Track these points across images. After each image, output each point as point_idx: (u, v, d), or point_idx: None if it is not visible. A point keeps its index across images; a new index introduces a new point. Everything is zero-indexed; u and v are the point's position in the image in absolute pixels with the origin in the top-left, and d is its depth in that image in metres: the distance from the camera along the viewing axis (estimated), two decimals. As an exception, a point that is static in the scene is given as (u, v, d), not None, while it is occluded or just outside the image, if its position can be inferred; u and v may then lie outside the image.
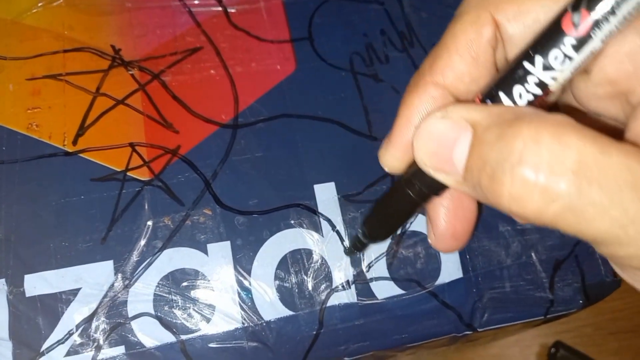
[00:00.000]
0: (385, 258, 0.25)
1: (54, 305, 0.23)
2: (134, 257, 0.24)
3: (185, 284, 0.24)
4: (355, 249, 0.22)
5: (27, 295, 0.23)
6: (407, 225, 0.25)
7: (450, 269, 0.25)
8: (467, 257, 0.25)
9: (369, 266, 0.25)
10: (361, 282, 0.24)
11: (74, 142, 0.26)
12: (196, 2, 0.30)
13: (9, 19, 0.28)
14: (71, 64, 0.27)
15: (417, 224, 0.25)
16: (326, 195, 0.26)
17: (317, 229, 0.25)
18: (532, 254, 0.26)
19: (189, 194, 0.25)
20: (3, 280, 0.23)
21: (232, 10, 0.30)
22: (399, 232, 0.25)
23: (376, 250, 0.25)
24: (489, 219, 0.26)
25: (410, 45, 0.30)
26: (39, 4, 0.29)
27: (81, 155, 0.25)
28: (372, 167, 0.27)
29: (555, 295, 0.25)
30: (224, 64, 0.28)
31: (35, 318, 0.22)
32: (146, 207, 0.25)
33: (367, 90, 0.29)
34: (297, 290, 0.24)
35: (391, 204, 0.18)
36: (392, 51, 0.30)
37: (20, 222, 0.24)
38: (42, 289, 0.23)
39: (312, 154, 0.27)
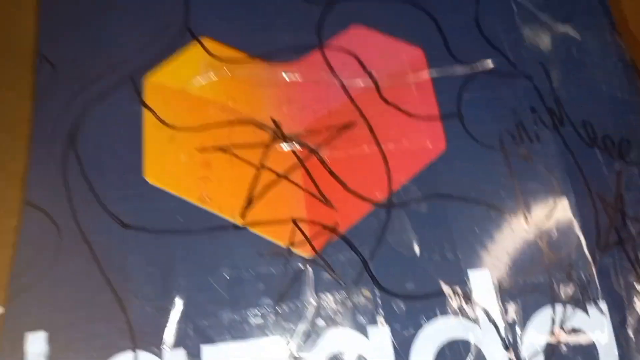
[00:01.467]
0: (543, 356, 0.25)
1: (228, 378, 0.24)
2: (299, 335, 0.25)
3: (348, 366, 0.24)
4: None
5: (205, 365, 0.24)
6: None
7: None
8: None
9: (529, 362, 0.25)
10: (521, 379, 0.24)
11: (242, 216, 0.27)
12: (348, 76, 0.31)
13: (177, 88, 0.31)
14: (236, 136, 0.29)
15: (579, 320, 0.25)
16: (481, 282, 0.26)
17: (473, 317, 0.25)
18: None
19: (348, 273, 0.26)
20: (182, 350, 0.24)
21: (383, 85, 0.31)
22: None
23: (530, 348, 0.25)
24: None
25: (560, 123, 0.30)
26: (204, 74, 0.31)
27: (248, 228, 0.27)
28: (526, 254, 0.27)
29: None
30: (376, 140, 0.29)
31: (212, 389, 0.24)
32: (310, 284, 0.26)
33: (518, 171, 0.29)
34: (455, 381, 0.24)
35: None
36: (542, 129, 0.30)
37: (196, 293, 0.26)
38: (217, 360, 0.24)
39: (465, 238, 0.27)
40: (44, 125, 0.30)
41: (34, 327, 0.25)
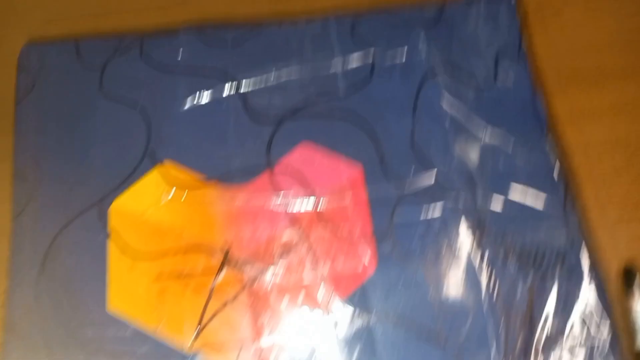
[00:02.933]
0: None
1: None
2: None
3: None
4: None
5: None
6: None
7: None
8: None
9: None
10: None
11: (193, 341, 0.31)
12: (293, 196, 0.34)
13: (138, 214, 0.34)
14: (189, 264, 0.33)
15: None
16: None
17: None
18: None
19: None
20: None
21: (323, 206, 0.34)
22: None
23: None
24: None
25: (480, 238, 0.34)
26: (162, 201, 0.34)
27: (198, 353, 0.31)
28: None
29: None
30: (316, 262, 0.33)
31: None
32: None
33: (439, 290, 0.32)
34: None
35: None
36: (463, 248, 0.34)
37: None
38: None
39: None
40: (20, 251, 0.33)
41: None
